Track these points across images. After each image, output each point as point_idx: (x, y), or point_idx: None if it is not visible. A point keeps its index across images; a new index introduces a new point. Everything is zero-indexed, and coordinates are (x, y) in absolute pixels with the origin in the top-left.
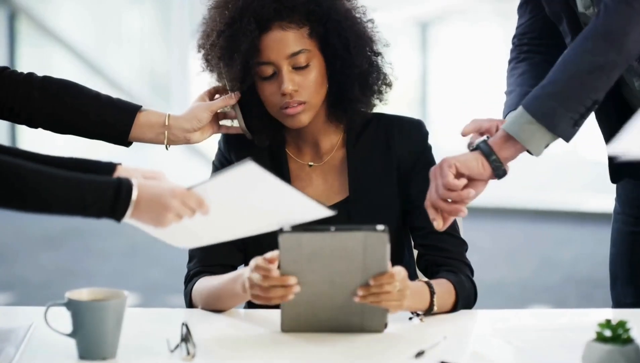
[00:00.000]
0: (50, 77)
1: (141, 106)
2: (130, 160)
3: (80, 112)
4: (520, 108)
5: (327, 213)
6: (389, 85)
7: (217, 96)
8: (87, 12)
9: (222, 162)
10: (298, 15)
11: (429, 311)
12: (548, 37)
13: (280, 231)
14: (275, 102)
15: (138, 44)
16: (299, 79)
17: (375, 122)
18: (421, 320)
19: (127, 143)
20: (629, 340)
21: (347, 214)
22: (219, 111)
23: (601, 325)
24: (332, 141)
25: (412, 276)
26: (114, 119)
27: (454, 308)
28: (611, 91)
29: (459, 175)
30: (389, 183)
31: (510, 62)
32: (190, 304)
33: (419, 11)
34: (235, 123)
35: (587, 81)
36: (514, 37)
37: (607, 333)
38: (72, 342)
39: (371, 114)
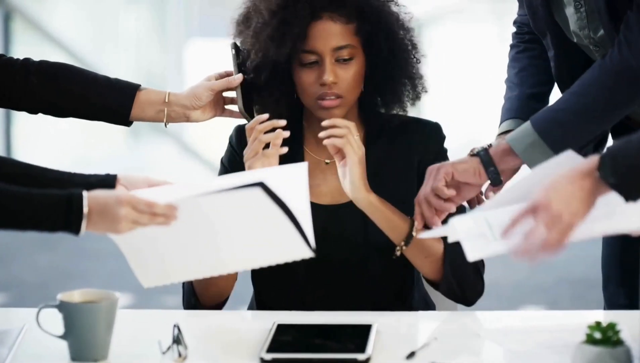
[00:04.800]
0: (47, 61)
1: (140, 85)
2: (126, 159)
3: (80, 95)
4: (528, 125)
5: (310, 254)
6: (424, 93)
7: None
8: (82, 13)
9: (232, 160)
10: (349, 10)
11: (408, 239)
12: None
13: (262, 360)
14: (313, 92)
15: (134, 45)
16: (340, 72)
17: (394, 123)
18: (402, 248)
19: (128, 123)
20: (619, 342)
21: (364, 213)
22: (225, 95)
23: (591, 327)
24: None
25: (417, 282)
26: (113, 100)
27: (443, 266)
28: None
29: (453, 182)
30: (408, 183)
31: (511, 47)
32: (192, 293)
33: (414, 11)
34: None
35: (602, 116)
36: (515, 21)
37: (597, 335)
38: (64, 344)
39: (390, 114)
